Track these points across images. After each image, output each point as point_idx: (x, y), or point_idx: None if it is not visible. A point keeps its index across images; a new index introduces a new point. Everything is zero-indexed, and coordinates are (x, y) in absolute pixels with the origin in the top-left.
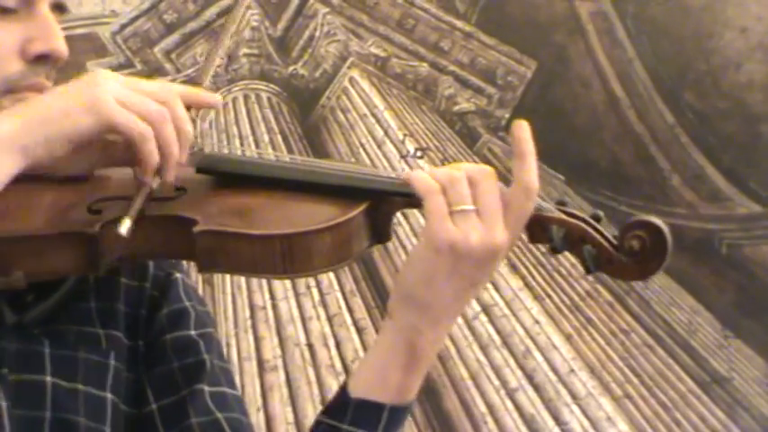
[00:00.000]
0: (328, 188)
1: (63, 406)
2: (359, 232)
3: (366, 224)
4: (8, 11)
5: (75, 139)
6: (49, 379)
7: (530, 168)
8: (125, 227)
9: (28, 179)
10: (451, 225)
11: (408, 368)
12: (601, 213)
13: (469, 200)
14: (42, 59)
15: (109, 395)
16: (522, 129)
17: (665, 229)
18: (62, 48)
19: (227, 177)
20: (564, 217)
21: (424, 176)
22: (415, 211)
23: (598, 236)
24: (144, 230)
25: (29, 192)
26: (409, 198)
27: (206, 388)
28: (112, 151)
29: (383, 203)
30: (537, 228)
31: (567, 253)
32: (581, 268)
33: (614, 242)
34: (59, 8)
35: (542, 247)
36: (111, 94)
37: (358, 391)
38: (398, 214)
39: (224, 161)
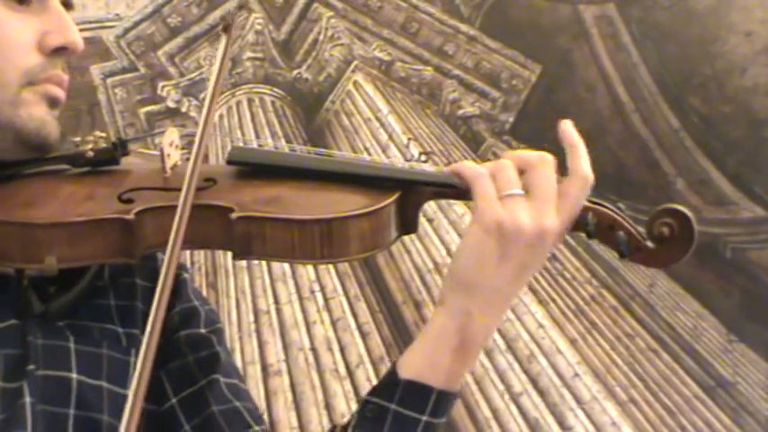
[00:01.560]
0: (359, 177)
1: (87, 403)
2: (391, 221)
3: (397, 213)
4: (24, 2)
5: None
6: (74, 376)
7: (583, 158)
8: None
9: (50, 173)
10: (500, 207)
11: (458, 353)
12: (622, 206)
13: (517, 184)
14: (59, 52)
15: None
16: (567, 124)
17: (692, 216)
18: (78, 40)
19: (257, 168)
20: (595, 206)
21: (471, 164)
22: (421, 217)
23: (627, 224)
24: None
25: (53, 183)
26: (438, 188)
27: (221, 378)
28: None
29: (413, 193)
30: None
31: (598, 240)
32: (586, 273)
33: (643, 230)
34: (66, 5)
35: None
36: None
37: (407, 372)
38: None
39: (254, 152)
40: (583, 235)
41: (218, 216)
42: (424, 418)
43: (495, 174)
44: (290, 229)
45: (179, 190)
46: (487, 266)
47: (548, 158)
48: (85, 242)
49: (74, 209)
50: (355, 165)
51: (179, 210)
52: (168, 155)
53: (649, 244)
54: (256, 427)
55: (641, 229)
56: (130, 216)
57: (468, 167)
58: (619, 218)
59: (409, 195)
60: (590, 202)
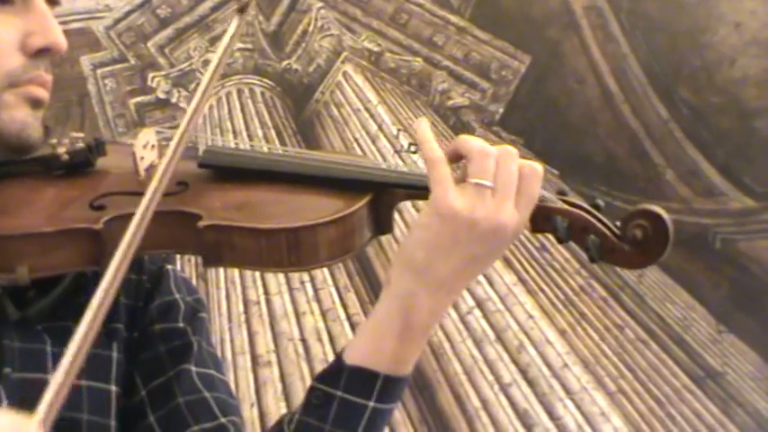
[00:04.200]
0: (331, 180)
1: (65, 404)
2: (362, 224)
3: (369, 216)
4: (6, 2)
5: None
6: (50, 378)
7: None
8: None
9: (25, 175)
10: (456, 194)
11: (403, 336)
12: (601, 202)
13: (490, 177)
14: (42, 53)
15: (113, 388)
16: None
17: (667, 217)
18: (61, 41)
19: (229, 171)
20: (567, 207)
21: (431, 145)
22: (410, 206)
23: (601, 225)
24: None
25: (27, 188)
26: (410, 189)
27: (193, 368)
28: None
29: (385, 195)
30: (540, 218)
31: (571, 243)
32: (575, 264)
33: (617, 231)
34: (52, 1)
35: (546, 237)
36: None
37: (353, 358)
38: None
39: (225, 155)
40: (554, 238)
41: (188, 222)
42: (371, 403)
43: (475, 157)
44: (256, 237)
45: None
46: (437, 252)
47: (512, 152)
48: (56, 252)
49: (45, 218)
50: (327, 167)
51: (136, 221)
52: (141, 157)
53: (624, 246)
54: (223, 419)
55: (617, 226)
56: (98, 226)
57: (429, 150)
58: (592, 219)
59: (382, 197)
60: (565, 203)
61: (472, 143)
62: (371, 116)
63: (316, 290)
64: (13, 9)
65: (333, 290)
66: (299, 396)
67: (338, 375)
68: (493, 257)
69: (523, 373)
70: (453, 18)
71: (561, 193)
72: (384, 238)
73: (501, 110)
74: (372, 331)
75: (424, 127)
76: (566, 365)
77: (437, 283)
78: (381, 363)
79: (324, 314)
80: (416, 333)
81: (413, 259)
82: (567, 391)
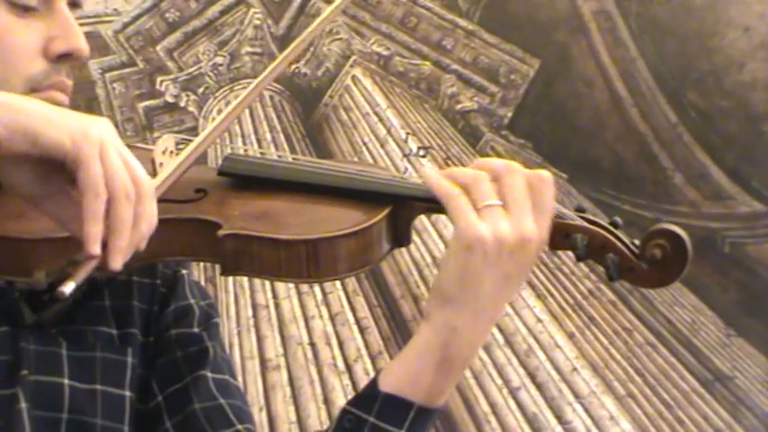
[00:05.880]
0: (351, 192)
1: (80, 408)
2: (381, 237)
3: (388, 228)
4: (30, 9)
5: (39, 147)
6: (66, 381)
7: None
8: (69, 288)
9: None
10: (478, 221)
11: (441, 369)
12: (619, 220)
13: (494, 196)
14: (64, 58)
15: (127, 393)
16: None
17: (686, 237)
18: (84, 46)
19: (249, 180)
20: (586, 224)
21: (442, 182)
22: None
23: (620, 244)
24: (166, 233)
25: None
26: (430, 203)
27: (209, 374)
28: (60, 201)
29: (405, 208)
30: (560, 235)
31: (590, 261)
32: (584, 268)
33: (635, 250)
34: (74, 4)
35: (565, 254)
36: (99, 141)
37: (388, 385)
38: None
39: (246, 164)
40: (572, 255)
41: (207, 231)
42: None
43: (472, 186)
44: (276, 248)
45: (171, 201)
46: (471, 280)
47: (515, 166)
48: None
49: None
50: (347, 178)
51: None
52: (161, 163)
53: (642, 265)
54: (239, 426)
55: (636, 244)
56: None
57: (440, 186)
58: (611, 237)
59: (401, 210)
60: (584, 220)
61: (461, 176)
62: (380, 120)
63: (324, 293)
64: (36, 14)
65: (341, 294)
66: (307, 400)
67: (372, 401)
68: (523, 275)
69: (532, 376)
70: (462, 22)
71: (579, 209)
72: None
73: (510, 114)
74: (410, 361)
75: (428, 172)
76: (574, 369)
77: (476, 312)
78: (417, 393)
79: (332, 318)
80: (455, 366)
81: (449, 294)
82: (576, 395)
